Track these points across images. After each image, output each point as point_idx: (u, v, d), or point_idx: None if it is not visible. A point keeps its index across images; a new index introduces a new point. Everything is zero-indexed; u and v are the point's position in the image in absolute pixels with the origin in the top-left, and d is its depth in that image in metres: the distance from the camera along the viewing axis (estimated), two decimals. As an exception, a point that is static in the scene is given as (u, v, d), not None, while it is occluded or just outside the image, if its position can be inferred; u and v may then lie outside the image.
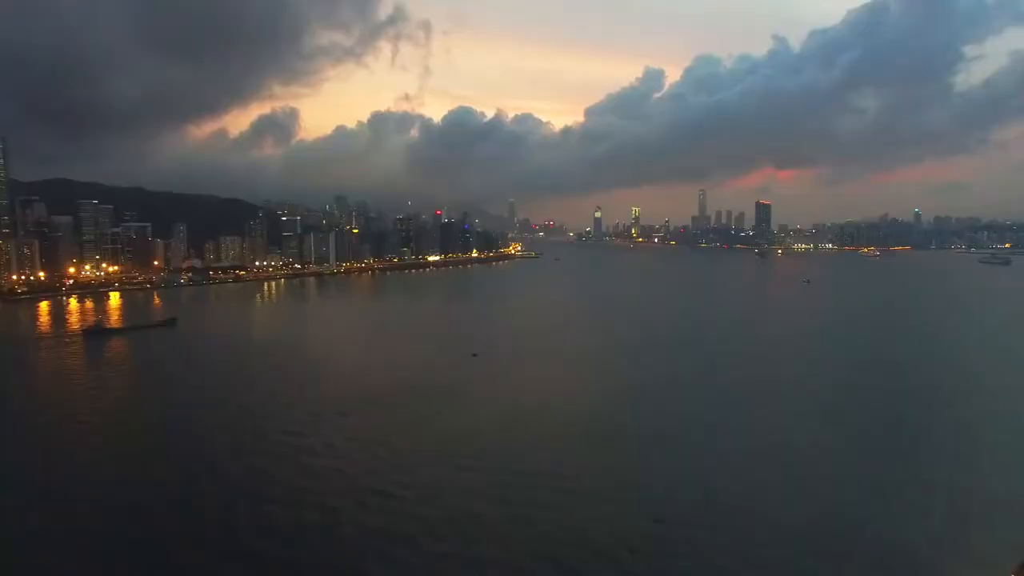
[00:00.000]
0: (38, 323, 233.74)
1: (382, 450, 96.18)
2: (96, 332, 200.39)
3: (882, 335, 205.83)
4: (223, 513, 75.45)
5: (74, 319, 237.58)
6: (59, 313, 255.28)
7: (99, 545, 68.87)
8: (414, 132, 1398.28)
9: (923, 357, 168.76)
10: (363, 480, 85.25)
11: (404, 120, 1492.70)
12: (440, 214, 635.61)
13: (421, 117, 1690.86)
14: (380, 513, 74.98)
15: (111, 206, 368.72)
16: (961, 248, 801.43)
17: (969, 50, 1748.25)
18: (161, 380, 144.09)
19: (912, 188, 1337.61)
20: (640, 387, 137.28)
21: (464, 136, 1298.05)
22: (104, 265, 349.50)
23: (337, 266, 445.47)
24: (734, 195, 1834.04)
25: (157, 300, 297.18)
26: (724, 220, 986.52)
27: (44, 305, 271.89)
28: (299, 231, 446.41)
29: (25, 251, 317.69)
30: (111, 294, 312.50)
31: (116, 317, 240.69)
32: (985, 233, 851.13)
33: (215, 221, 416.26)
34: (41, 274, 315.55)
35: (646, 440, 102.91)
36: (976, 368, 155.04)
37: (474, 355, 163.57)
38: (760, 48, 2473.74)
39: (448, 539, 69.19)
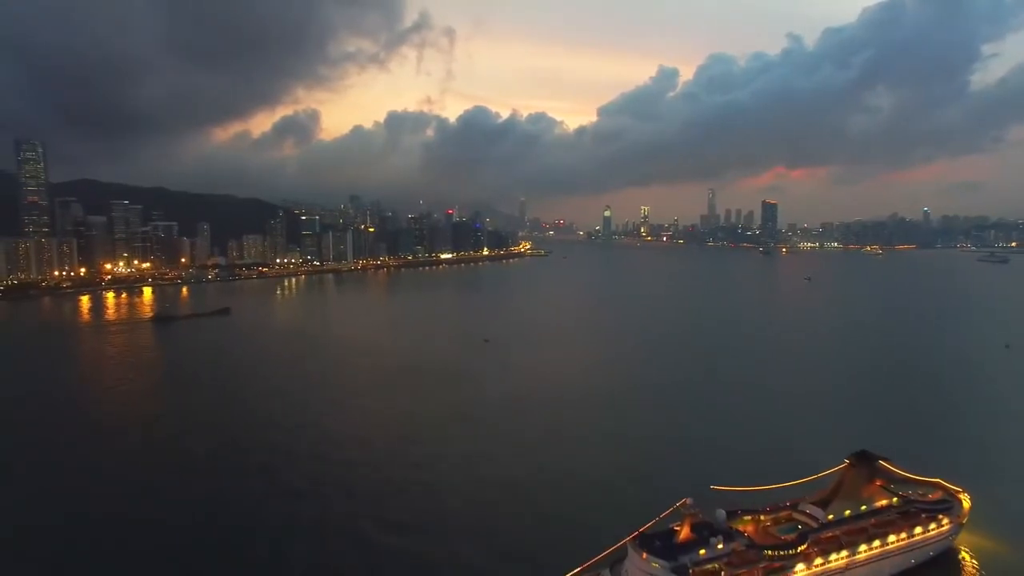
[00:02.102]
0: (98, 313, 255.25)
1: (406, 415, 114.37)
2: (163, 319, 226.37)
3: (862, 325, 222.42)
4: (273, 460, 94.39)
5: (128, 310, 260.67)
6: (110, 305, 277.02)
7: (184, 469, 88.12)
8: (429, 132, 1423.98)
9: (891, 342, 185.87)
10: (391, 438, 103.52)
11: (420, 120, 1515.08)
12: (452, 213, 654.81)
13: (437, 117, 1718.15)
14: (402, 467, 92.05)
15: (140, 206, 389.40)
16: (967, 247, 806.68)
17: (987, 48, 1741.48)
18: (230, 357, 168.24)
19: (925, 187, 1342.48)
20: (626, 366, 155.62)
21: (479, 136, 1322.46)
22: (135, 262, 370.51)
23: (354, 263, 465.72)
24: (745, 194, 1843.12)
25: (185, 293, 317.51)
26: (733, 219, 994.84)
27: (85, 299, 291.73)
28: (318, 230, 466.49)
29: (64, 249, 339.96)
30: (144, 289, 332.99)
31: (173, 307, 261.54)
32: (992, 232, 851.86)
33: (235, 220, 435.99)
34: (82, 270, 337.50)
35: (628, 405, 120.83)
36: (934, 351, 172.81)
37: (485, 340, 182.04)
38: (774, 46, 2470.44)
39: (459, 479, 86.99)
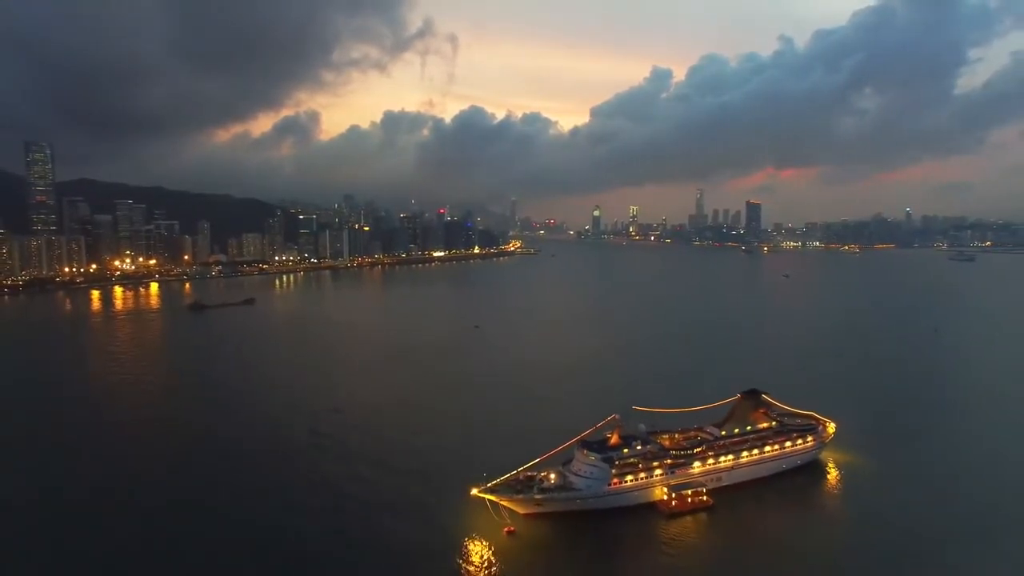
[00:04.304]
0: (120, 305, 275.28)
1: (405, 389, 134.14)
2: (198, 308, 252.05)
3: (821, 313, 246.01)
4: (295, 429, 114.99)
5: (147, 301, 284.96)
6: (127, 298, 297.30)
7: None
8: (425, 132, 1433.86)
9: (839, 324, 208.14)
10: (392, 406, 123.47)
11: (416, 120, 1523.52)
12: (443, 212, 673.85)
13: (433, 117, 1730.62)
14: (390, 436, 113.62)
15: (143, 205, 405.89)
16: (942, 246, 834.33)
17: (973, 53, 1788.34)
18: (265, 337, 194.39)
19: (911, 188, 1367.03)
20: (602, 348, 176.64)
21: (474, 136, 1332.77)
22: (140, 259, 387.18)
23: (350, 261, 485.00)
24: (735, 194, 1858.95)
25: (187, 288, 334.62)
26: (720, 219, 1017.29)
27: (96, 293, 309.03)
28: (315, 229, 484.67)
29: (73, 246, 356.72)
30: (152, 284, 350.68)
31: (201, 298, 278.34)
32: (969, 232, 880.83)
33: (233, 219, 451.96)
34: (93, 266, 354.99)
35: (598, 374, 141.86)
36: (872, 333, 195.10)
37: (476, 327, 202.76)
38: (766, 47, 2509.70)
39: (454, 435, 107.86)
